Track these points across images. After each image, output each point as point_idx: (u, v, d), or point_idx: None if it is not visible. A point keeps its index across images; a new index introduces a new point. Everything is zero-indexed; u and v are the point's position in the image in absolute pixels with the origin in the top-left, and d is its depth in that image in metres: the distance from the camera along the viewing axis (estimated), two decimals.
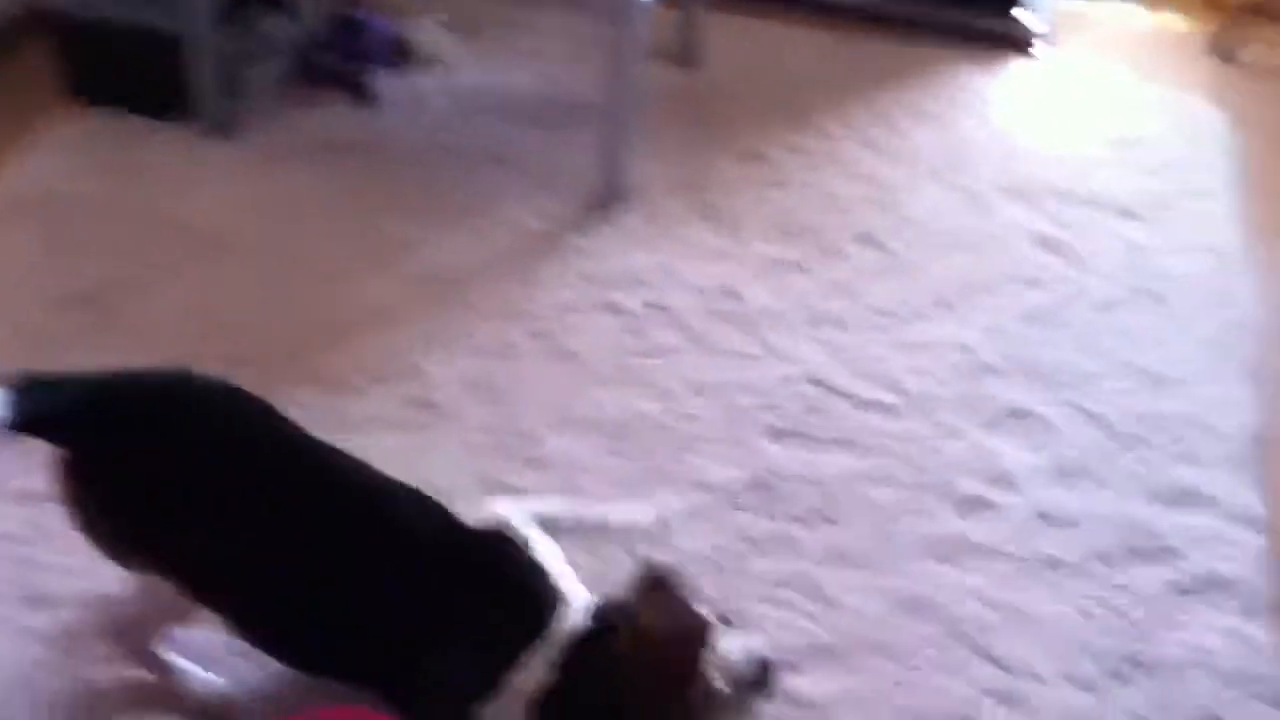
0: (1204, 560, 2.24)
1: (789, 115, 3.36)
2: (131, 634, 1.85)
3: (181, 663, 1.88)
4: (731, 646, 1.63)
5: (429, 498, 1.78)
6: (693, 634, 1.64)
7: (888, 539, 2.22)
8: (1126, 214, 3.08)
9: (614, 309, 2.69)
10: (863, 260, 2.89)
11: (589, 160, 2.98)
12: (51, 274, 2.67)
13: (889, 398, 2.51)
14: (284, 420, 1.77)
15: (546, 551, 1.79)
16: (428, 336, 2.57)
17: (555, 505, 1.96)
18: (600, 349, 2.59)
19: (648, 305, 2.70)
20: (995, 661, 2.03)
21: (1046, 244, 2.96)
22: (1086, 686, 2.02)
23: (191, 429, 1.71)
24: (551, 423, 2.40)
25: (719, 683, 1.61)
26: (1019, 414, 2.50)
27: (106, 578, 1.82)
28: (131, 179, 2.94)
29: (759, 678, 1.65)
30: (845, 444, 2.40)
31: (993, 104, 3.47)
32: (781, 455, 2.37)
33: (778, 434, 2.42)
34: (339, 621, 1.70)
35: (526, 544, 1.78)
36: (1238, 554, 2.26)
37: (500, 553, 1.77)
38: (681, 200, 3.02)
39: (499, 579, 1.73)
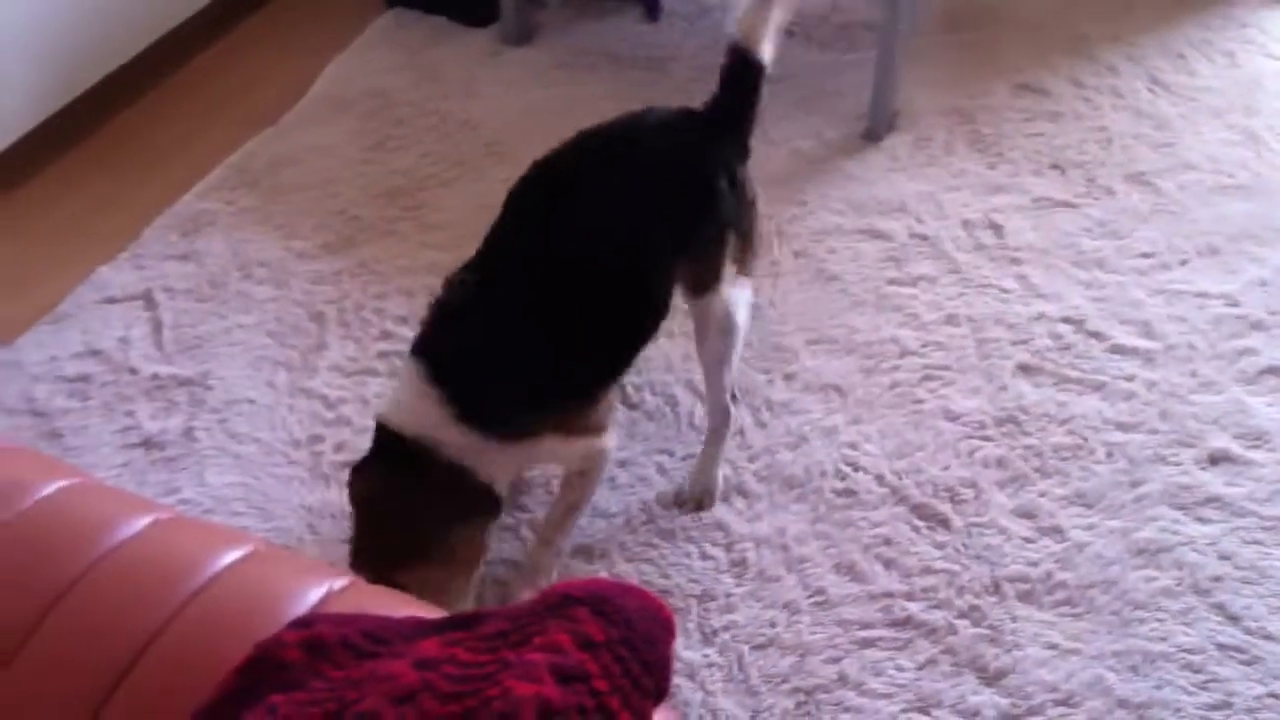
0: None
1: (1066, 42, 3.32)
2: None
3: None
4: None
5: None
6: None
7: (1131, 485, 2.27)
8: None
9: (876, 235, 2.77)
10: (1131, 200, 2.87)
11: (862, 82, 3.04)
12: (369, 165, 2.95)
13: (1145, 344, 2.53)
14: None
15: None
16: None
17: None
18: (860, 273, 2.68)
19: (910, 234, 2.78)
20: (1228, 615, 2.07)
21: None
22: None
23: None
24: (808, 341, 2.53)
25: None
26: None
27: None
28: (437, 80, 3.19)
29: None
30: (1096, 387, 2.44)
31: None
32: (1031, 392, 2.43)
33: (1028, 371, 2.48)
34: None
35: None
36: None
37: None
38: (952, 128, 3.05)
39: None
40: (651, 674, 1.23)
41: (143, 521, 1.57)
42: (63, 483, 1.65)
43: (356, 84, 3.18)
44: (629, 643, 1.24)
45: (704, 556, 2.16)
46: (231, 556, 1.52)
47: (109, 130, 3.06)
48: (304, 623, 1.32)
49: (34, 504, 1.54)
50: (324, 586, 1.51)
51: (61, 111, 2.96)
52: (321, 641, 1.29)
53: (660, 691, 1.25)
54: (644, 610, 1.28)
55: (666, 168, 2.03)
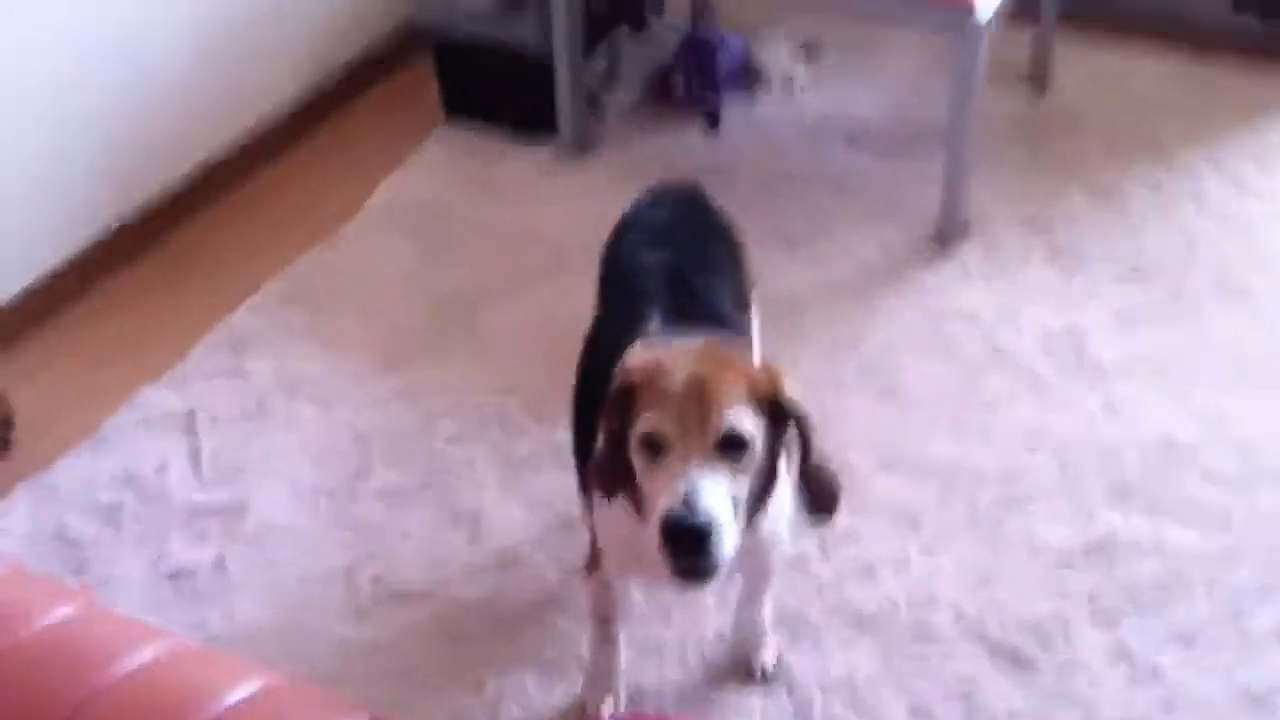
0: None
1: (1143, 146, 3.19)
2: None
3: None
4: None
5: None
6: None
7: (1234, 622, 2.08)
8: None
9: (948, 349, 2.63)
10: (1222, 310, 2.71)
11: (931, 190, 2.92)
12: (423, 280, 2.87)
13: (1243, 466, 2.35)
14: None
15: None
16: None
17: None
18: (932, 390, 2.54)
19: (984, 347, 2.63)
20: None
21: None
22: None
23: None
24: (880, 464, 2.38)
25: None
26: None
27: (451, 569, 2.02)
28: (494, 193, 3.12)
29: None
30: (1192, 515, 2.26)
31: None
32: (1121, 522, 2.26)
33: (1118, 498, 2.31)
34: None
35: None
36: None
37: None
38: (1026, 236, 2.92)
39: None
40: None
41: (149, 651, 1.46)
42: (67, 609, 1.54)
43: (412, 198, 3.12)
44: None
45: (767, 700, 2.00)
46: (242, 692, 1.41)
47: (163, 248, 3.00)
48: None
49: (34, 633, 1.44)
50: None
51: (116, 229, 2.93)
52: None
53: None
54: None
55: (715, 234, 2.20)
